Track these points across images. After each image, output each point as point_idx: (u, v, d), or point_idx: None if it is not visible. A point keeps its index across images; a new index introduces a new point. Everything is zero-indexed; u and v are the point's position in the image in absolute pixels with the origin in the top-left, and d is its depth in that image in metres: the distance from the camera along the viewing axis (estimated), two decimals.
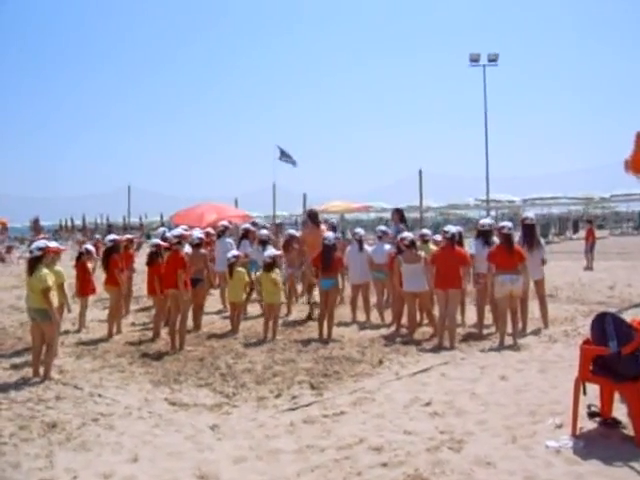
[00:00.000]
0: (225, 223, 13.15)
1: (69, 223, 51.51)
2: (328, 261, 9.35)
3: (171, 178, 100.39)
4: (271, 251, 10.00)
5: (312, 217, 11.68)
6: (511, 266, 8.48)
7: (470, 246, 9.75)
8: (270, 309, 9.41)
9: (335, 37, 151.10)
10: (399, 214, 12.31)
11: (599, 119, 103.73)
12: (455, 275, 8.63)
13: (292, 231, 12.79)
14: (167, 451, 4.97)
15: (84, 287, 10.37)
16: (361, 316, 10.49)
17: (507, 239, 8.65)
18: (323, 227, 11.81)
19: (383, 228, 11.07)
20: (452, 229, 9.09)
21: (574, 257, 20.25)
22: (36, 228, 39.59)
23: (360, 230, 11.18)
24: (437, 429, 5.24)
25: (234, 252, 10.40)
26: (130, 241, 12.34)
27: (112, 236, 10.78)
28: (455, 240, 8.94)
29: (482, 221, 10.16)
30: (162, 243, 9.82)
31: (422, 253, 9.29)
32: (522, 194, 39.00)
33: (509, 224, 8.96)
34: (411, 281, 9.13)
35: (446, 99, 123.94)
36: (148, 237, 31.72)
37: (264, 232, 12.09)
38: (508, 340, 8.41)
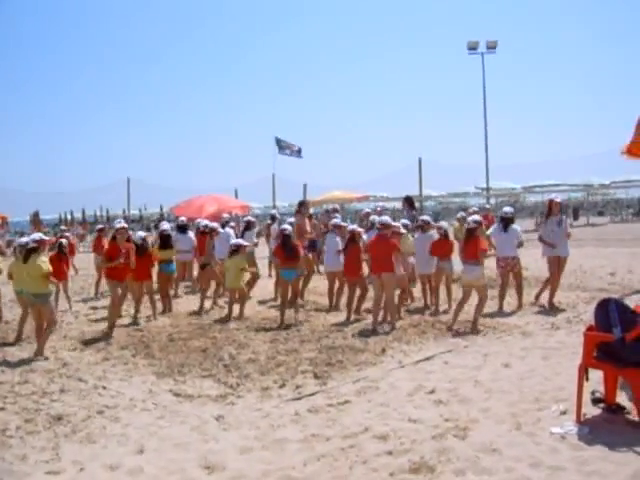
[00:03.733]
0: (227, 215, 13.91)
1: (69, 216, 51.45)
2: (289, 251, 9.63)
3: (171, 170, 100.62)
4: (237, 240, 10.70)
5: (302, 206, 12.28)
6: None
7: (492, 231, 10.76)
8: (232, 293, 10.31)
9: (334, 27, 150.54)
10: (409, 202, 13.30)
11: (599, 106, 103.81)
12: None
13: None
14: (173, 442, 4.99)
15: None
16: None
17: (446, 235, 10.19)
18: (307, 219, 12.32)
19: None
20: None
21: (574, 244, 20.17)
22: (36, 222, 39.59)
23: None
24: (442, 417, 5.25)
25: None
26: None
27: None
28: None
29: (505, 209, 10.94)
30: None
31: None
32: (522, 181, 39.08)
33: (445, 224, 10.60)
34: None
35: (445, 87, 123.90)
36: (148, 229, 31.68)
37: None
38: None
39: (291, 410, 5.62)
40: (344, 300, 10.31)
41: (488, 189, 31.68)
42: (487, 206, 14.71)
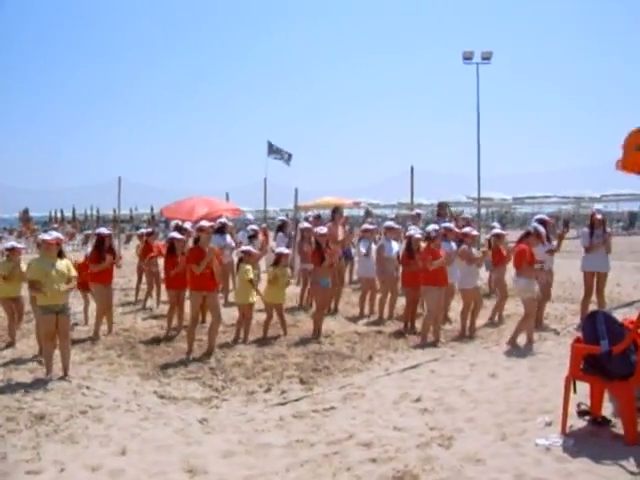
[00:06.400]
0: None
1: (59, 215, 51.19)
2: (323, 258, 8.96)
3: (162, 171, 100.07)
4: (281, 248, 9.76)
5: (336, 213, 11.79)
6: None
7: None
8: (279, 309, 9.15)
9: (328, 33, 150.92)
10: (442, 208, 12.84)
11: (591, 119, 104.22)
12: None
13: (306, 225, 12.09)
14: (155, 444, 4.94)
15: None
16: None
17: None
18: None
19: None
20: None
21: (564, 256, 20.23)
22: (25, 219, 39.36)
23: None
24: (427, 425, 5.23)
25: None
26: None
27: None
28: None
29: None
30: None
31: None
32: (513, 192, 39.21)
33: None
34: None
35: (439, 97, 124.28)
36: (137, 228, 31.49)
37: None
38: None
39: (276, 415, 5.59)
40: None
41: (479, 199, 31.68)
42: (468, 216, 14.62)
